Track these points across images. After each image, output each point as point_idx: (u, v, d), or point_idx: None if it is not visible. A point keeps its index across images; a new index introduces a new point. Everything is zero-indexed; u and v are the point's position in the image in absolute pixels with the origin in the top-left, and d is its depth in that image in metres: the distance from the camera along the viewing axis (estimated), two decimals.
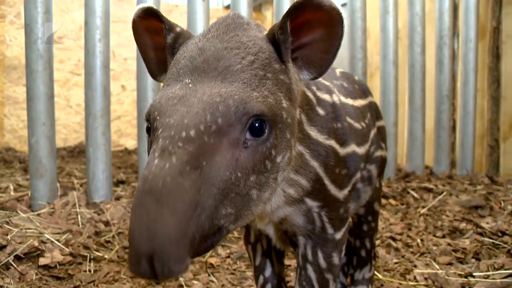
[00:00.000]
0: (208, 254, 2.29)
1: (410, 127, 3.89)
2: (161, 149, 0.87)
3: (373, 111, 1.69)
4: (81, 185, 3.45)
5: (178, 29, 1.16)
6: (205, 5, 3.12)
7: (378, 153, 1.65)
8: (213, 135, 0.89)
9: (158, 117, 0.93)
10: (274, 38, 1.07)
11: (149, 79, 3.07)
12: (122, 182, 3.80)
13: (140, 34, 1.22)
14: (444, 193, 3.21)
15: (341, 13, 1.02)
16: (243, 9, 3.15)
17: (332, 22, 1.04)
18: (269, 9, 6.99)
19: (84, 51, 2.98)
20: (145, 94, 3.09)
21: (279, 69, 1.03)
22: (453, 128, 4.18)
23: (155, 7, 1.16)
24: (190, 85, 0.97)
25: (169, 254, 0.79)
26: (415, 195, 3.21)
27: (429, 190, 3.33)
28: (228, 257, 2.31)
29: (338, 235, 1.33)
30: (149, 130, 1.00)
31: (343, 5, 4.00)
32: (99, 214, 2.74)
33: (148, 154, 0.96)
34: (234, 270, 2.17)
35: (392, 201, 3.09)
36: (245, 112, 0.92)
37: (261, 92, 0.97)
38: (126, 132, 6.42)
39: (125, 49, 6.25)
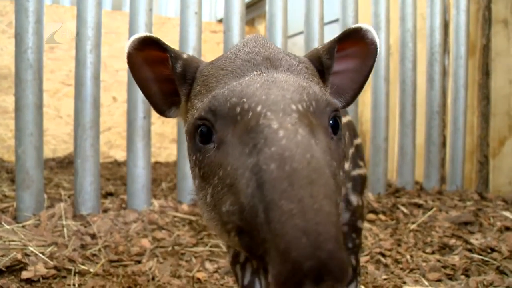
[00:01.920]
0: (196, 268, 2.26)
1: (401, 142, 3.90)
2: (278, 123, 0.77)
3: (351, 130, 1.70)
4: (68, 197, 3.40)
5: (185, 56, 1.10)
6: (198, 18, 3.13)
7: (356, 171, 1.65)
8: (313, 115, 0.85)
9: (247, 100, 0.84)
10: (319, 61, 1.06)
11: (140, 91, 3.05)
12: (111, 194, 3.75)
13: (138, 67, 1.10)
14: (434, 209, 3.20)
15: (378, 48, 1.07)
16: (236, 22, 3.16)
17: (368, 55, 1.08)
18: (262, 23, 7.01)
19: (75, 62, 2.96)
20: (136, 105, 3.07)
21: (322, 87, 1.02)
22: (443, 144, 4.19)
23: (154, 36, 1.06)
24: (264, 74, 0.92)
25: (340, 266, 0.62)
26: (405, 210, 3.20)
27: (419, 206, 3.32)
28: (216, 271, 2.27)
29: None
30: (205, 132, 0.88)
31: (335, 21, 4.02)
32: (85, 227, 2.70)
33: (194, 161, 0.92)
34: (222, 285, 2.14)
35: (382, 216, 3.08)
36: (328, 103, 0.89)
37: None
38: (116, 144, 6.37)
39: (116, 60, 6.22)
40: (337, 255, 0.62)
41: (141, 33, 1.08)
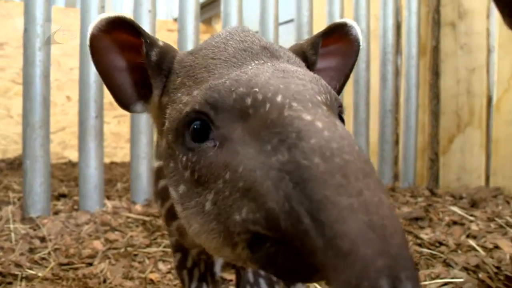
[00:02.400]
0: (149, 269, 2.23)
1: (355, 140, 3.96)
2: (311, 114, 0.68)
3: None
4: (18, 199, 3.29)
5: (161, 43, 0.97)
6: (152, 16, 3.09)
7: None
8: (329, 108, 0.75)
9: (260, 90, 0.73)
10: (304, 55, 1.00)
11: (92, 90, 2.98)
12: (64, 195, 3.66)
13: (103, 52, 0.94)
14: None
15: (360, 46, 1.03)
16: (190, 21, 3.14)
17: (351, 53, 1.04)
18: (218, 22, 7.01)
19: (23, 60, 2.86)
20: (88, 105, 3.00)
21: None
22: (396, 142, 4.30)
23: (126, 17, 0.91)
24: (269, 64, 0.82)
25: (411, 260, 0.55)
26: None
27: None
28: (169, 272, 2.25)
29: None
30: (199, 128, 0.77)
31: (290, 21, 4.05)
32: (35, 230, 2.61)
33: (184, 162, 0.79)
34: (175, 285, 2.12)
35: None
36: (336, 97, 0.81)
37: None
38: (70, 144, 6.22)
39: (70, 59, 6.07)
40: (406, 250, 0.55)
41: (111, 12, 0.92)
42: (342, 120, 0.83)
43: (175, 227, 1.20)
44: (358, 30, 1.04)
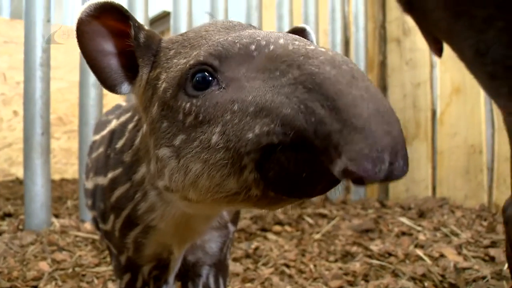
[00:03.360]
0: None
1: None
2: (313, 46, 0.76)
3: None
4: None
5: (147, 28, 1.03)
6: None
7: None
8: None
9: (262, 39, 0.80)
10: None
11: (38, 105, 2.90)
12: (9, 215, 3.51)
13: (90, 37, 0.98)
14: (338, 218, 3.34)
15: None
16: None
17: None
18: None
19: None
20: (33, 121, 2.91)
21: None
22: None
23: (115, 2, 0.96)
24: (256, 30, 0.90)
25: (405, 144, 0.66)
26: (310, 221, 3.31)
27: (324, 216, 3.45)
28: None
29: (229, 261, 1.34)
30: (202, 79, 0.82)
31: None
32: None
33: (187, 110, 0.84)
34: None
35: (287, 228, 3.16)
36: None
37: None
38: (17, 161, 5.99)
39: (17, 72, 5.85)
40: (403, 136, 0.66)
41: None
42: None
43: (131, 239, 1.19)
44: (314, 37, 1.16)
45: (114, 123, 1.32)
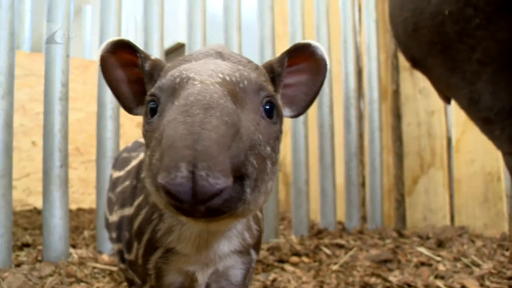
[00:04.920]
0: None
1: (321, 184, 4.01)
2: (200, 81, 0.89)
3: None
4: None
5: (153, 57, 1.17)
6: None
7: None
8: (241, 90, 0.93)
9: (185, 72, 0.95)
10: (271, 68, 1.16)
11: (57, 138, 2.96)
12: (27, 245, 3.54)
13: (110, 69, 1.18)
14: (355, 248, 3.31)
15: (327, 65, 1.17)
16: None
17: (319, 71, 1.18)
18: None
19: None
20: (52, 153, 2.97)
21: (273, 91, 1.08)
22: (363, 184, 4.38)
23: (125, 39, 1.16)
24: (207, 60, 1.03)
25: (215, 160, 0.72)
26: (328, 251, 3.28)
27: (341, 246, 3.41)
28: None
29: None
30: (153, 107, 0.97)
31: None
32: None
33: (143, 133, 1.00)
34: None
35: (305, 258, 3.13)
36: (263, 87, 0.99)
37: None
38: (35, 191, 6.06)
39: (37, 104, 6.01)
40: (213, 150, 0.73)
41: (114, 37, 1.17)
42: (272, 105, 1.00)
43: (153, 264, 1.23)
44: (323, 51, 1.17)
45: (142, 156, 1.44)
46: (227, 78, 0.93)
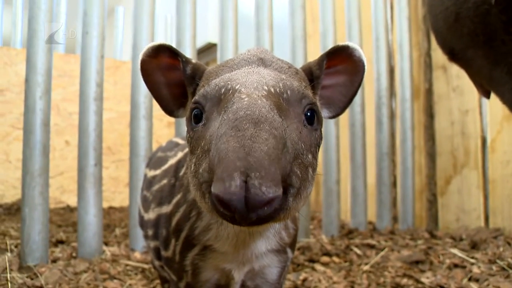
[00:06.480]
0: None
1: (352, 184, 3.98)
2: (247, 94, 0.91)
3: None
4: (15, 246, 3.27)
5: (194, 61, 1.20)
6: None
7: None
8: (285, 101, 0.95)
9: (230, 83, 0.96)
10: (310, 71, 1.18)
11: (91, 137, 3.02)
12: (62, 242, 3.63)
13: (150, 72, 1.21)
14: (386, 249, 3.26)
15: (365, 66, 1.19)
16: None
17: (357, 72, 1.20)
18: None
19: (24, 108, 2.90)
20: (87, 152, 3.03)
21: (313, 97, 1.09)
22: (394, 184, 4.32)
23: (166, 44, 1.19)
24: (250, 68, 1.04)
25: (267, 170, 0.74)
26: (358, 251, 3.25)
27: (372, 246, 3.37)
28: None
29: None
30: (197, 114, 0.99)
31: None
32: (32, 279, 2.59)
33: (188, 139, 1.01)
34: None
35: (335, 258, 3.11)
36: (305, 95, 0.99)
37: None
38: (69, 189, 6.20)
39: (70, 104, 6.15)
40: (264, 161, 0.75)
41: (155, 42, 1.20)
42: (313, 112, 1.01)
43: (190, 260, 1.24)
44: (361, 52, 1.19)
45: (180, 155, 1.47)
46: (272, 90, 0.94)
